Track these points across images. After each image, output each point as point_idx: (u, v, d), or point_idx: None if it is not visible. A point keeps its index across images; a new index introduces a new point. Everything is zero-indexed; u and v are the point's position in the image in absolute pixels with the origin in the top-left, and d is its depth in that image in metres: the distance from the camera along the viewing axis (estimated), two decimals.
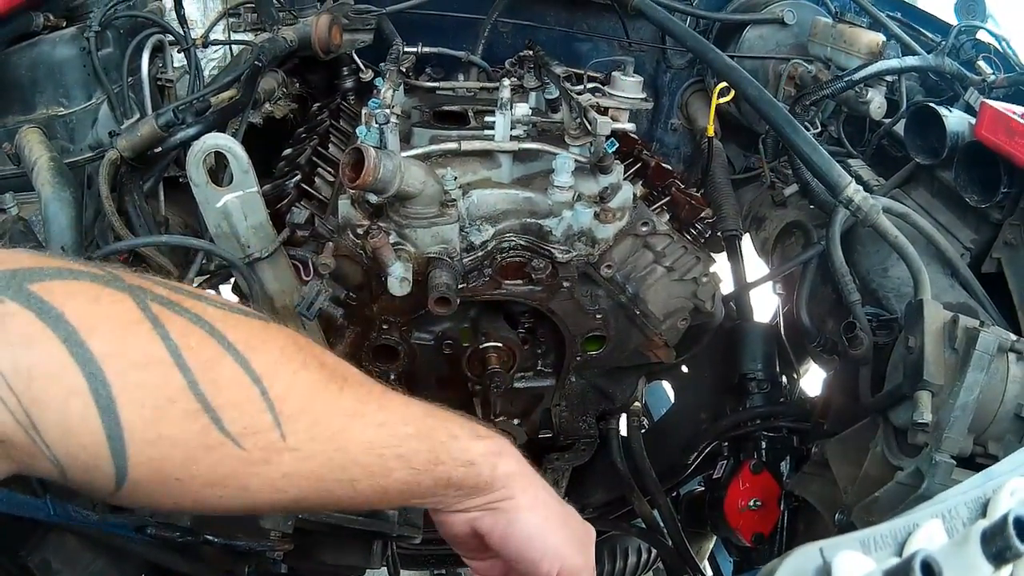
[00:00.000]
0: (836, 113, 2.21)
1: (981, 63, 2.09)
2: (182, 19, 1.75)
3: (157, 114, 1.41)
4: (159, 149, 1.44)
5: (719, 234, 2.01)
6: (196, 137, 1.40)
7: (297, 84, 2.06)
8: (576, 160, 1.43)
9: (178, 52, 1.78)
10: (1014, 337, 1.23)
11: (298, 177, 1.52)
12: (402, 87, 1.78)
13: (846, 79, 1.88)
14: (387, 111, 1.39)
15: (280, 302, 1.46)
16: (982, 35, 2.17)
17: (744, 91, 1.59)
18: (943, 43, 2.02)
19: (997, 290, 1.59)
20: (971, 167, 1.62)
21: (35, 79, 1.50)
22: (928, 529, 0.60)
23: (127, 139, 1.40)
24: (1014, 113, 1.49)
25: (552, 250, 1.45)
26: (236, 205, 1.33)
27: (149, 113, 1.59)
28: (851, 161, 2.03)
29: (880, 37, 1.98)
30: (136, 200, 1.44)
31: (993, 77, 1.96)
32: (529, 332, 1.69)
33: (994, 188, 1.55)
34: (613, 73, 1.65)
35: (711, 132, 1.99)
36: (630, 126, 1.57)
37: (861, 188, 1.48)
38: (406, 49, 1.97)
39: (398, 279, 1.32)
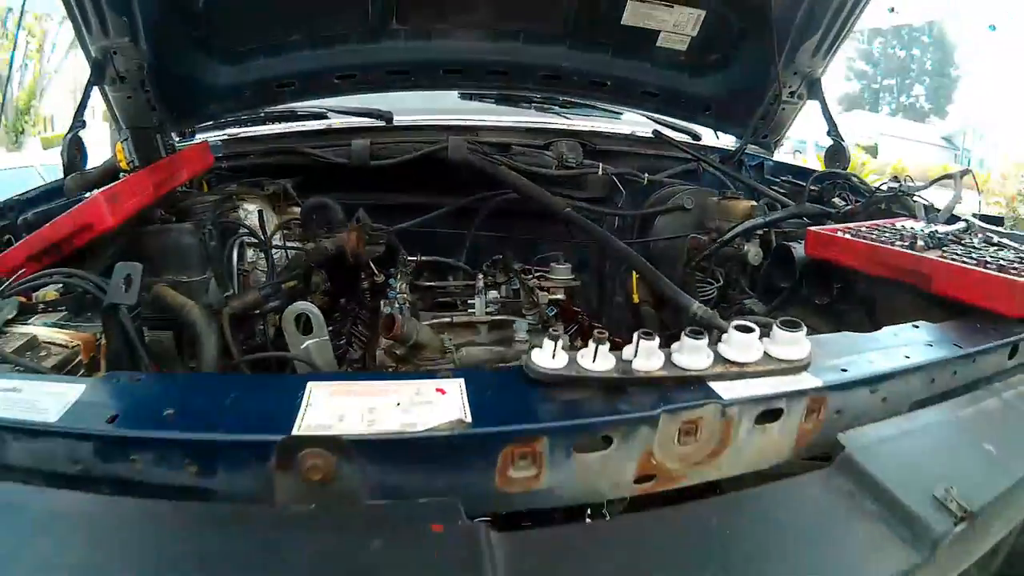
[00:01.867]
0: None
1: (836, 200, 2.65)
2: (264, 229, 2.54)
3: (260, 288, 2.17)
4: (257, 311, 2.19)
5: None
6: (280, 307, 2.15)
7: (328, 282, 2.76)
8: (529, 323, 2.24)
9: (254, 252, 2.54)
10: None
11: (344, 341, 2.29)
12: (409, 286, 2.56)
13: (719, 240, 2.54)
14: (403, 297, 2.19)
15: None
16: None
17: (635, 266, 2.32)
18: (804, 192, 2.61)
19: None
20: (815, 277, 2.14)
21: (164, 255, 2.07)
22: None
23: (239, 302, 2.12)
24: (832, 232, 2.03)
25: None
26: (314, 347, 2.07)
27: (236, 290, 2.33)
28: (747, 301, 2.48)
29: (750, 203, 2.59)
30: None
31: (847, 206, 2.51)
32: None
33: (831, 287, 2.10)
34: (552, 264, 2.56)
35: (636, 299, 2.77)
36: (562, 297, 2.39)
37: (704, 306, 1.94)
38: (408, 258, 2.76)
39: None
